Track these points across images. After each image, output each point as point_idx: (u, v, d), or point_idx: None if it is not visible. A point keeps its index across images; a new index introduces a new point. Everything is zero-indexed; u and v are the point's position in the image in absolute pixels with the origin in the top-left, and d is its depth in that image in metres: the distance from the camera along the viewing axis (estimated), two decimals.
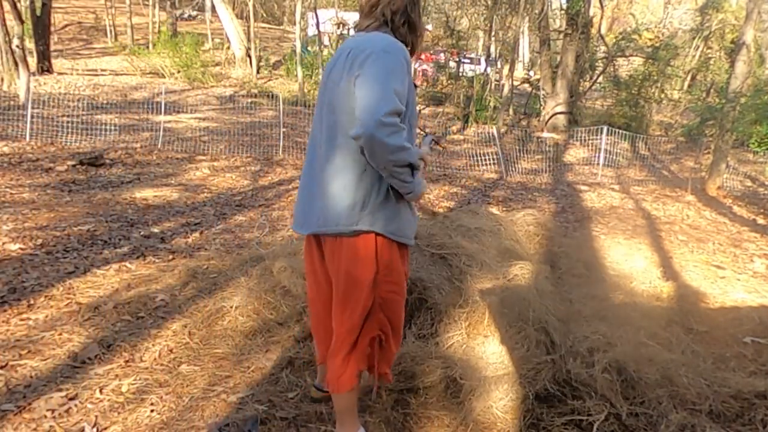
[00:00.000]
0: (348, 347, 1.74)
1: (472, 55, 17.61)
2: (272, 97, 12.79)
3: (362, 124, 1.48)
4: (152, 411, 2.05)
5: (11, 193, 5.07)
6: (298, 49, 15.26)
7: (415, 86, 1.80)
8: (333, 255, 1.70)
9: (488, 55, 15.29)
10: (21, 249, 3.65)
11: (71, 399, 2.08)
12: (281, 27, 28.19)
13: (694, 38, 16.56)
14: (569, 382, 2.15)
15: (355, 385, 1.79)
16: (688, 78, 17.24)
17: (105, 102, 11.39)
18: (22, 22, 11.19)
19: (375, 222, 1.62)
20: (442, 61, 15.98)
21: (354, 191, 1.61)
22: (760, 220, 6.70)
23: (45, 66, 13.52)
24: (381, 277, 1.68)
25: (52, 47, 14.79)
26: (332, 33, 18.38)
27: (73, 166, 6.42)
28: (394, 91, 1.51)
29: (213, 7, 18.67)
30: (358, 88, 1.54)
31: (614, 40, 14.97)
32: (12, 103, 10.15)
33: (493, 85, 15.14)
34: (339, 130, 1.62)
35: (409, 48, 1.72)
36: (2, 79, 11.53)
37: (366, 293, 1.68)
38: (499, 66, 16.43)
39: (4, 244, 3.69)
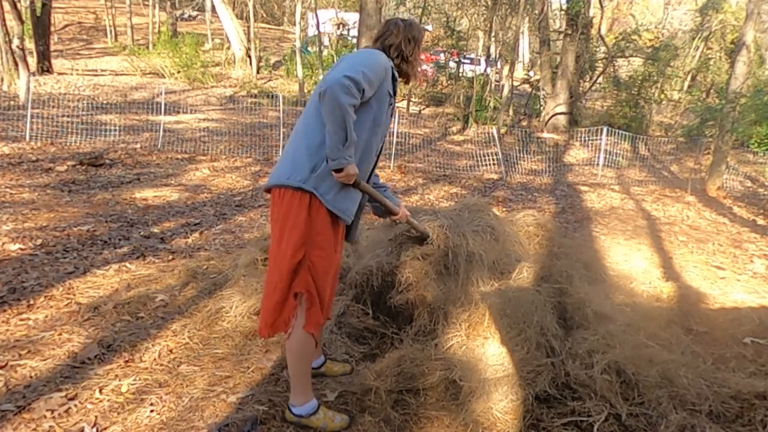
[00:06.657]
0: (280, 294, 1.87)
1: (472, 56, 17.60)
2: (272, 97, 12.80)
3: (327, 81, 1.72)
4: (152, 411, 2.05)
5: (11, 193, 5.07)
6: (299, 50, 15.25)
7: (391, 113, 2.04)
8: (274, 205, 1.88)
9: (488, 56, 15.29)
10: (21, 249, 3.65)
11: (71, 399, 2.08)
12: (281, 27, 28.19)
13: (694, 39, 16.54)
14: (569, 384, 2.15)
15: (291, 334, 1.91)
16: (688, 78, 17.22)
17: (105, 102, 11.40)
18: (22, 22, 11.18)
19: (318, 186, 1.81)
20: (442, 62, 15.97)
21: (313, 155, 1.82)
22: (760, 221, 6.70)
23: (45, 66, 13.53)
24: (311, 238, 1.84)
25: (52, 47, 14.80)
26: (332, 33, 18.41)
27: (73, 166, 6.42)
28: (363, 72, 1.74)
29: (213, 8, 18.67)
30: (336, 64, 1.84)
31: (614, 41, 14.96)
32: (12, 103, 10.17)
33: (493, 85, 15.13)
34: (314, 102, 1.86)
35: (402, 77, 2.06)
36: (2, 79, 11.55)
37: (294, 246, 1.82)
38: (499, 66, 16.42)
39: (4, 244, 3.69)
